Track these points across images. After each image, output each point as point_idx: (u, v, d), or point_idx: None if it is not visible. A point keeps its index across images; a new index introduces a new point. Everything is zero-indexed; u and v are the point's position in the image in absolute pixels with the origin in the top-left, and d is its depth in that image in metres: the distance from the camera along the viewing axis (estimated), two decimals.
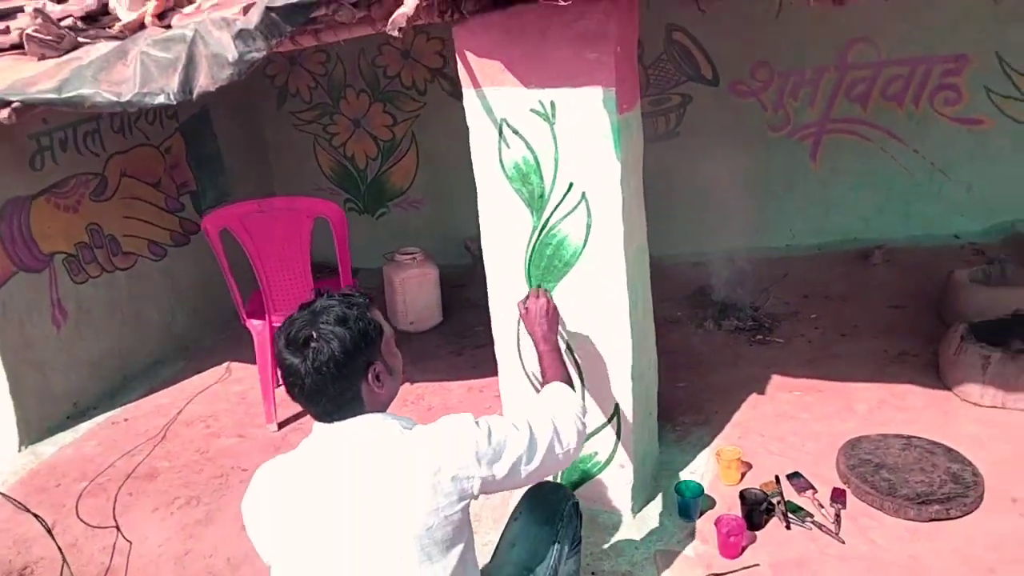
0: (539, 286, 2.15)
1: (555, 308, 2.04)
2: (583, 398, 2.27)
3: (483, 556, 1.73)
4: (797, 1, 1.87)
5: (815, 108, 4.38)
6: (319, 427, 1.49)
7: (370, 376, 1.47)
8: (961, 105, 4.24)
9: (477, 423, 1.52)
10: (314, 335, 1.41)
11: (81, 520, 2.76)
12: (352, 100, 4.82)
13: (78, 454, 3.16)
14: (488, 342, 2.46)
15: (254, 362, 3.37)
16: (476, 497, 1.48)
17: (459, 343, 3.85)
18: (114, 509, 2.79)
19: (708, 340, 3.61)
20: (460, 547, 1.46)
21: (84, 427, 3.35)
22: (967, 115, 4.25)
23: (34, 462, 3.12)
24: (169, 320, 3.99)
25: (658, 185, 4.47)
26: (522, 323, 2.13)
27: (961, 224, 4.44)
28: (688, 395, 3.10)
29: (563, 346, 2.20)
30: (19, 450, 3.17)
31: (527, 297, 2.07)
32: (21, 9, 3.07)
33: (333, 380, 1.41)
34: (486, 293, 2.35)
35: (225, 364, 3.81)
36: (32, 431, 3.22)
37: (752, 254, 4.46)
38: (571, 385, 1.87)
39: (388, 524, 1.39)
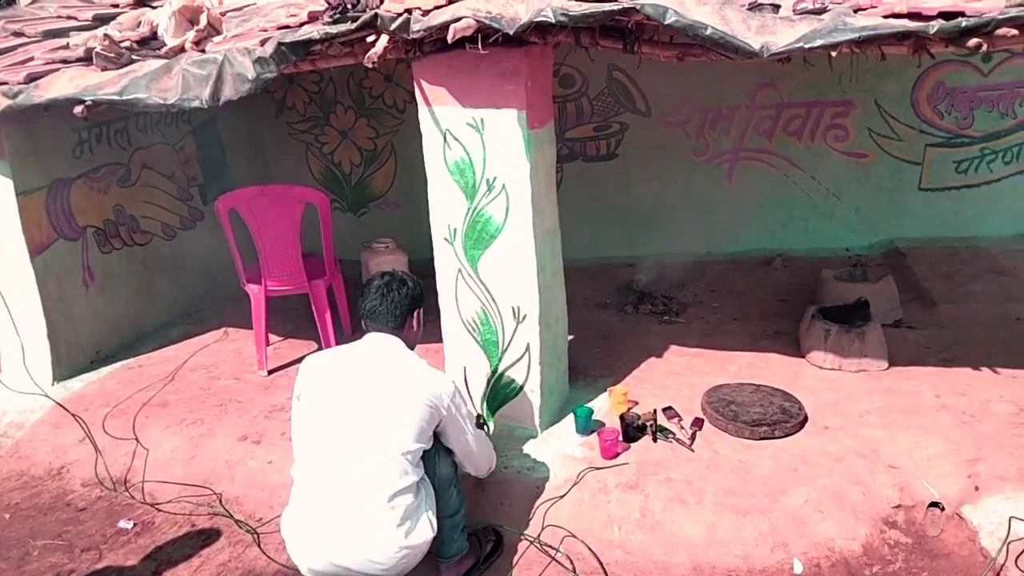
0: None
1: None
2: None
3: None
4: (653, 56, 2.64)
5: (730, 139, 5.19)
6: (369, 334, 2.47)
7: (413, 315, 2.50)
8: (849, 141, 5.08)
9: (456, 389, 2.48)
10: (399, 279, 2.50)
11: (107, 433, 3.46)
12: (341, 115, 5.59)
13: (102, 389, 3.85)
14: None
15: (247, 326, 4.10)
16: (439, 420, 2.40)
17: (424, 317, 4.58)
18: (133, 426, 3.49)
19: (626, 320, 4.39)
20: (426, 433, 2.37)
21: (105, 370, 4.04)
22: (854, 149, 5.10)
23: (65, 393, 3.80)
24: (176, 290, 4.69)
25: (599, 198, 5.36)
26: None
27: (851, 239, 5.27)
28: (601, 357, 3.86)
29: (488, 299, 2.98)
30: (52, 384, 3.86)
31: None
32: (68, 32, 3.83)
33: (396, 306, 2.45)
34: None
35: (223, 329, 4.51)
36: (63, 370, 3.91)
37: (676, 258, 5.27)
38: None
39: (390, 406, 2.32)
